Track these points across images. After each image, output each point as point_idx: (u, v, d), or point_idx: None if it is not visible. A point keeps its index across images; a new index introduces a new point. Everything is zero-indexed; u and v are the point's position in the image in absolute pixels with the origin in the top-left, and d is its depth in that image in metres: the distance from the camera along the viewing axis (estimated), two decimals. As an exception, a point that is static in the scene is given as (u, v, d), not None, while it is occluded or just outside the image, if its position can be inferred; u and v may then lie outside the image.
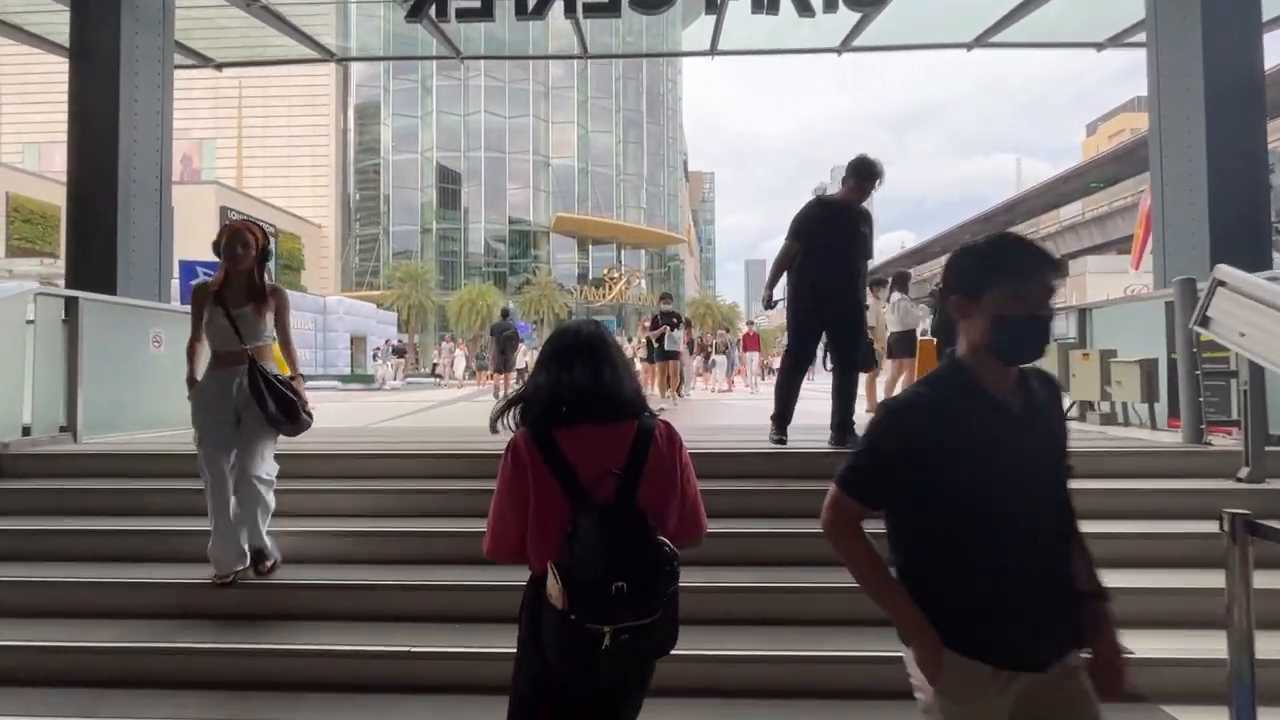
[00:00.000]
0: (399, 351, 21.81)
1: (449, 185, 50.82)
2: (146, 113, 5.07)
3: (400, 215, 51.16)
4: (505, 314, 13.31)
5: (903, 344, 7.13)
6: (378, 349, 22.16)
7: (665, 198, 58.15)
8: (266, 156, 52.02)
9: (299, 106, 52.74)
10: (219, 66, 8.79)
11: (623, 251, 54.64)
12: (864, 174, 3.98)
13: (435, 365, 24.05)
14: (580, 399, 1.31)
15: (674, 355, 10.21)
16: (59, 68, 5.66)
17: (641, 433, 1.32)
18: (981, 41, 7.75)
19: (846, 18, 7.30)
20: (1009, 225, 50.64)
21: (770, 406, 4.17)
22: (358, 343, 28.61)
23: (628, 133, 54.37)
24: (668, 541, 1.24)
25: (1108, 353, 4.87)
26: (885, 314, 7.37)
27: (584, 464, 1.26)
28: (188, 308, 3.22)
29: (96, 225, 4.77)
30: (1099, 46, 7.74)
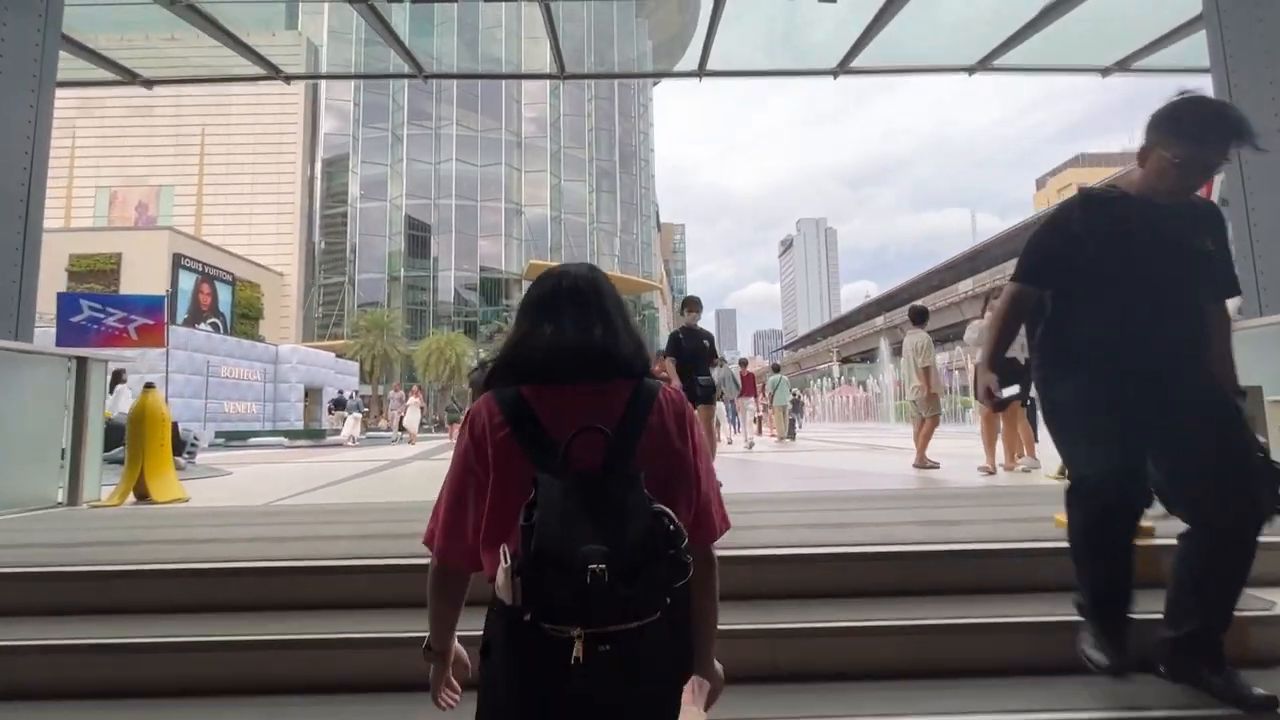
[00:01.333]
0: (338, 404, 19.99)
1: (418, 233, 50.13)
2: (14, 108, 4.05)
3: (367, 263, 50.07)
4: (482, 366, 12.60)
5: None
6: (332, 401, 20.56)
7: (639, 246, 58.42)
8: (229, 204, 50.85)
9: (264, 154, 52.04)
10: (149, 84, 7.85)
11: (596, 299, 54.24)
12: (1184, 129, 1.76)
13: (401, 418, 22.67)
14: (552, 355, 0.99)
15: (710, 399, 5.96)
16: None
17: (640, 394, 1.00)
18: (984, 65, 7.39)
19: (845, 37, 6.85)
20: (973, 273, 51.99)
21: (773, 458, 2.74)
22: (312, 395, 26.90)
23: (600, 182, 54.87)
24: (670, 513, 0.87)
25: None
26: (917, 352, 6.63)
27: (560, 430, 0.94)
28: (35, 346, 1.93)
29: (-79, 240, 3.67)
30: (1104, 72, 7.49)
